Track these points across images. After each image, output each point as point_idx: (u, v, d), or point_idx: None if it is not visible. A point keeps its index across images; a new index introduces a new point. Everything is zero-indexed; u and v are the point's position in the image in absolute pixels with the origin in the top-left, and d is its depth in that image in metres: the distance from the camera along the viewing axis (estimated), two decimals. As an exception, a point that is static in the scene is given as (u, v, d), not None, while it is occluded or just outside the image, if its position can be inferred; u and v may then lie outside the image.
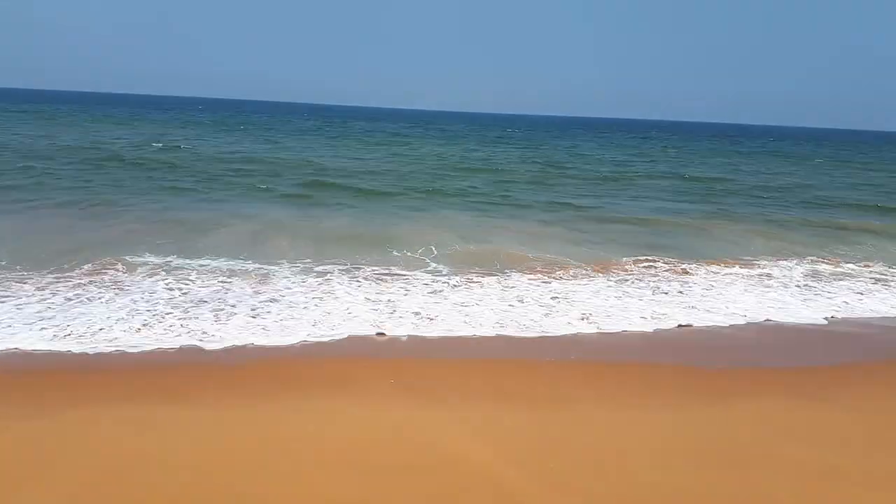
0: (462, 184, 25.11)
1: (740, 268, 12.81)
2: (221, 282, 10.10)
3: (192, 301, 9.01)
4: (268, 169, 26.31)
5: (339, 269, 11.32)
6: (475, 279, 11.01)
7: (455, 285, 10.52)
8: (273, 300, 9.30)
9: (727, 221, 18.83)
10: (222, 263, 11.28)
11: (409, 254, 12.91)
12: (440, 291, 10.15)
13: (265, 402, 5.95)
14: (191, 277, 10.22)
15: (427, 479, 4.61)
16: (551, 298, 9.94)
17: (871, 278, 12.40)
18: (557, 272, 11.86)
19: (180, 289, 9.58)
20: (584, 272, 11.98)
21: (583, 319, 8.99)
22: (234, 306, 8.90)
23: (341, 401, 5.98)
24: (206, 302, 9.00)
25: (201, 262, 11.34)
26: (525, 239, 15.03)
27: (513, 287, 10.57)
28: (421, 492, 4.46)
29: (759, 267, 13.07)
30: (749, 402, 6.30)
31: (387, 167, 29.98)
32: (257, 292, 9.63)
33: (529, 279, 11.23)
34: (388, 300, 9.53)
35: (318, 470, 4.72)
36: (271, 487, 4.49)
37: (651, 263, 12.89)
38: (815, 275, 12.51)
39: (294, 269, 11.25)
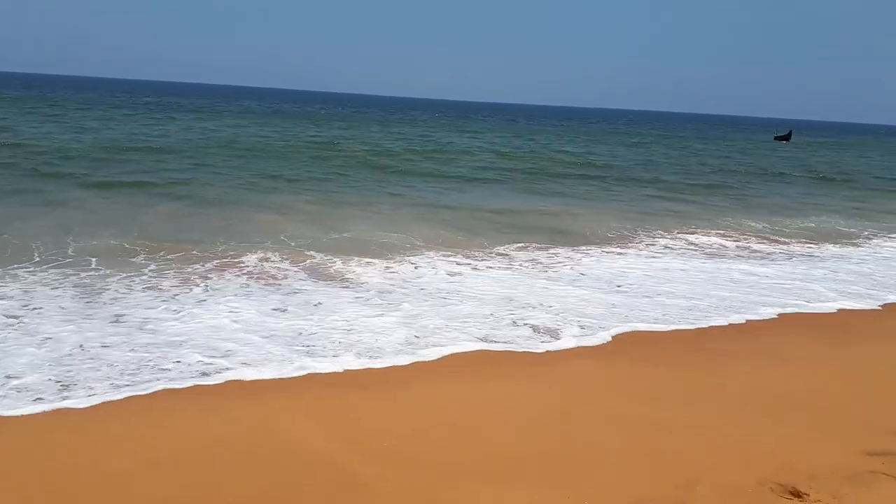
0: (293, 164, 23.33)
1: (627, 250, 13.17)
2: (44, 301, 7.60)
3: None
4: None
5: (209, 269, 9.31)
6: (391, 279, 9.55)
7: (385, 292, 8.74)
8: (140, 326, 6.94)
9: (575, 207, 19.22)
10: (31, 274, 8.73)
11: (270, 244, 11.28)
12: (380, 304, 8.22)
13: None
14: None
15: (265, 470, 4.38)
16: (504, 299, 8.72)
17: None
18: (459, 262, 11.02)
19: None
20: (489, 263, 11.15)
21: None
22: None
23: (163, 398, 5.35)
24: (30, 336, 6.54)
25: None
26: (385, 224, 14.06)
27: (455, 290, 9.08)
28: (259, 483, 4.22)
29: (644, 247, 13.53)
30: (566, 364, 6.62)
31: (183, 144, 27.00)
32: (117, 319, 7.02)
33: (448, 272, 10.14)
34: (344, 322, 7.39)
35: (142, 471, 4.27)
36: (91, 493, 4.02)
37: (539, 249, 12.69)
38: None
39: (146, 272, 9.00)
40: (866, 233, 16.92)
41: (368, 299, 8.49)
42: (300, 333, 7.04)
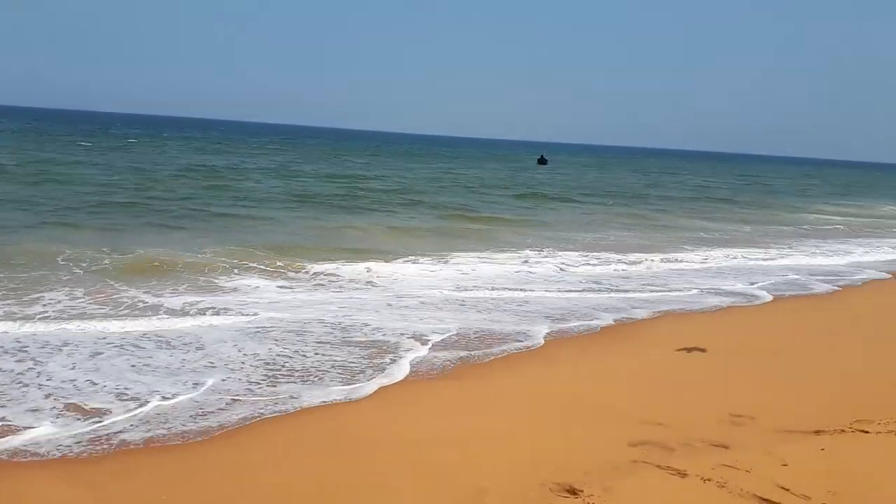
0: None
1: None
2: None
3: None
4: None
5: (28, 309, 8.27)
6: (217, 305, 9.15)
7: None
8: None
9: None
10: None
11: (63, 275, 10.22)
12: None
13: None
14: None
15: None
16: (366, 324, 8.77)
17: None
18: (279, 278, 10.94)
19: None
20: (316, 278, 11.24)
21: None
22: None
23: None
24: None
25: None
26: (168, 241, 13.48)
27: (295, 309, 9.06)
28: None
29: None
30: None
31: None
32: None
33: (289, 294, 9.96)
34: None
35: None
36: None
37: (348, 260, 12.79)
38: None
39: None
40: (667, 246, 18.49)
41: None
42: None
